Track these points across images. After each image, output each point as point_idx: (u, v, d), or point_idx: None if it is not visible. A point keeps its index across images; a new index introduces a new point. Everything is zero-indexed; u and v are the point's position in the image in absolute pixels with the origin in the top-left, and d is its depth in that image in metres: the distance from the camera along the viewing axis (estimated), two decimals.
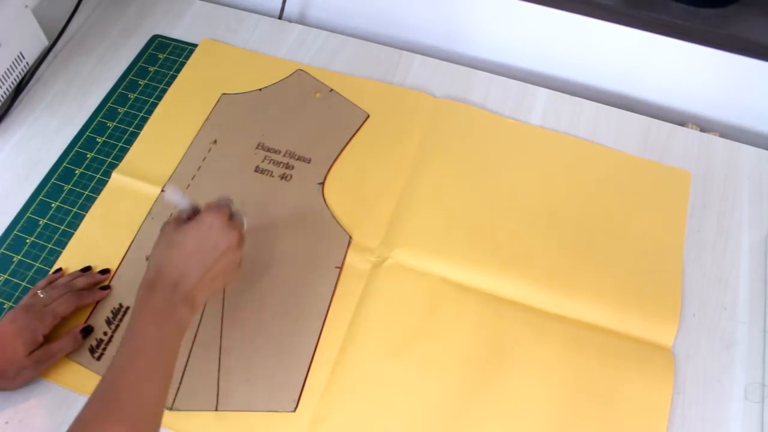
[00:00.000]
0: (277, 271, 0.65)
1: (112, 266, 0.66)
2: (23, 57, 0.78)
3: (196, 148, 0.73)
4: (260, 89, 0.78)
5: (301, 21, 0.92)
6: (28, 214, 0.70)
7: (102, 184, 0.72)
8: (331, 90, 0.77)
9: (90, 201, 0.70)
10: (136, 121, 0.77)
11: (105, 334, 0.62)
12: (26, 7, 0.76)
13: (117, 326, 0.62)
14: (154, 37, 0.85)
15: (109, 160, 0.74)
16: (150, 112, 0.77)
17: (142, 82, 0.80)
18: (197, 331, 0.61)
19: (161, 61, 0.82)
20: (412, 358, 0.60)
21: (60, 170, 0.73)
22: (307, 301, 0.63)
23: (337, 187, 0.71)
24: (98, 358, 0.60)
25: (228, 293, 0.63)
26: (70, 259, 0.67)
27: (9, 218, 0.70)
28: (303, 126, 0.74)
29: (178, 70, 0.81)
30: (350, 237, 0.66)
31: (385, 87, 0.78)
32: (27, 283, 0.65)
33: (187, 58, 0.82)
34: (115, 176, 0.72)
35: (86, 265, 0.66)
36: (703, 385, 0.59)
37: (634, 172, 0.72)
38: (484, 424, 0.57)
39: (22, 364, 0.56)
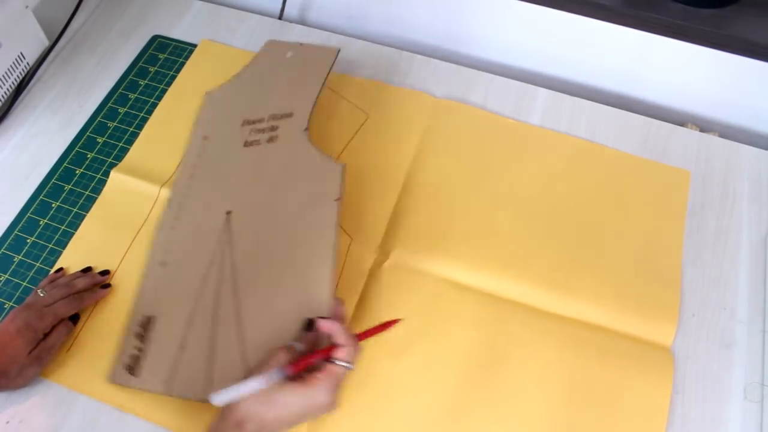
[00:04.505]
0: (275, 227, 0.62)
1: (113, 266, 0.66)
2: (24, 57, 0.78)
3: (190, 148, 0.72)
4: (236, 75, 0.77)
5: (302, 21, 0.93)
6: (28, 214, 0.70)
7: (102, 184, 0.72)
8: (301, 44, 0.76)
9: (90, 201, 0.71)
10: (136, 122, 0.77)
11: (139, 350, 0.59)
12: (27, 7, 0.76)
13: (149, 338, 0.59)
14: (155, 38, 0.85)
15: (110, 160, 0.74)
16: (150, 112, 0.77)
17: (142, 83, 0.80)
18: (215, 311, 0.59)
19: (161, 62, 0.82)
20: (412, 358, 0.60)
21: (60, 170, 0.73)
22: (310, 240, 0.60)
23: None
24: (136, 374, 0.58)
25: (238, 264, 0.61)
26: (70, 259, 0.67)
27: (10, 218, 0.70)
28: (278, 87, 0.73)
29: (179, 71, 0.81)
30: (344, 165, 0.63)
31: (385, 87, 0.78)
32: (28, 283, 0.65)
33: (187, 58, 0.82)
34: (115, 175, 0.72)
35: (87, 265, 0.66)
36: (703, 385, 0.59)
37: (633, 171, 0.72)
38: (483, 424, 0.57)
39: (24, 362, 0.57)
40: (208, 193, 0.68)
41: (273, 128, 0.69)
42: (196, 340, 0.59)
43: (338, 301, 0.56)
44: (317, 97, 0.69)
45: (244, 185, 0.66)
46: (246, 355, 0.56)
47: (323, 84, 0.70)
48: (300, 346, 0.52)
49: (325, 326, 0.52)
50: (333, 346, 0.50)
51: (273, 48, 0.78)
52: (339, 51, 0.73)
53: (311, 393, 0.48)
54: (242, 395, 0.48)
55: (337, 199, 0.61)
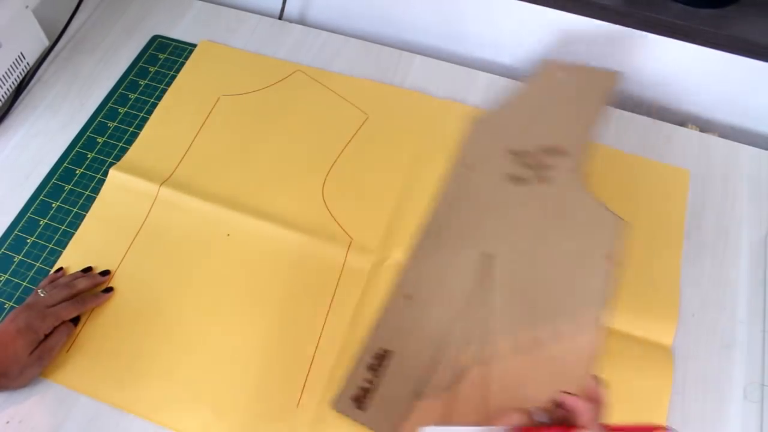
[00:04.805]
0: (543, 273, 0.58)
1: (113, 266, 0.66)
2: (24, 57, 0.78)
3: (451, 174, 0.67)
4: (506, 98, 0.71)
5: (301, 21, 0.93)
6: (28, 214, 0.70)
7: (103, 184, 0.72)
8: (577, 65, 0.67)
9: (90, 201, 0.71)
10: (136, 122, 0.77)
11: (369, 382, 0.56)
12: (27, 7, 0.76)
13: (383, 373, 0.57)
14: (155, 38, 0.85)
15: (110, 160, 0.74)
16: (150, 112, 0.77)
17: (142, 83, 0.80)
18: (476, 351, 0.56)
19: (161, 62, 0.82)
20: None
21: (61, 170, 0.73)
22: (579, 300, 0.56)
23: (336, 188, 0.71)
24: (364, 409, 0.56)
25: (503, 306, 0.57)
26: (70, 259, 0.67)
27: (10, 218, 0.70)
28: (549, 115, 0.66)
29: (179, 71, 0.81)
30: (623, 221, 0.57)
31: (385, 87, 0.78)
32: (28, 283, 0.65)
33: (187, 58, 0.82)
34: (114, 173, 0.72)
35: (87, 265, 0.66)
36: (703, 385, 0.59)
37: (633, 171, 0.72)
38: None
39: (25, 363, 0.57)
40: (468, 229, 0.63)
41: (543, 165, 0.63)
42: (435, 391, 0.55)
43: (597, 379, 0.48)
44: (590, 138, 0.63)
45: (509, 227, 0.62)
46: (486, 418, 0.51)
47: (601, 116, 0.63)
48: (540, 416, 0.45)
49: (571, 402, 0.44)
50: (573, 427, 0.43)
51: (547, 68, 0.71)
52: (620, 74, 0.64)
53: None
54: None
55: (609, 257, 0.56)
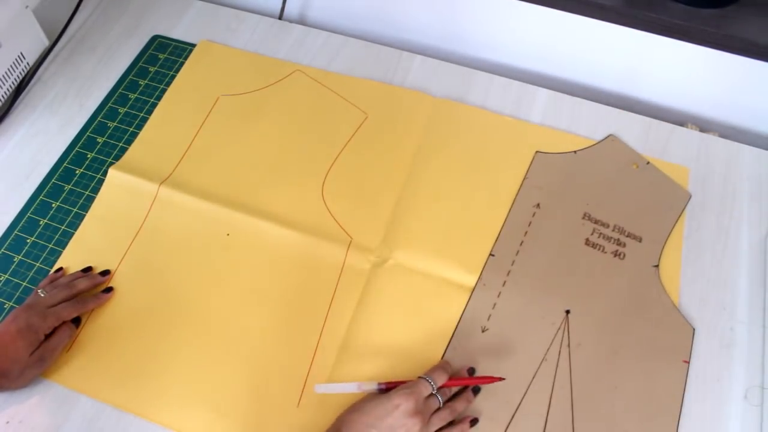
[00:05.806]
0: (618, 359, 0.60)
1: (113, 266, 0.66)
2: (24, 57, 0.78)
3: (518, 211, 0.68)
4: (575, 152, 0.72)
5: (301, 21, 0.93)
6: (28, 214, 0.70)
7: (102, 184, 0.72)
8: (648, 162, 0.71)
9: (90, 201, 0.71)
10: (136, 122, 0.77)
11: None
12: (27, 7, 0.76)
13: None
14: (155, 38, 0.85)
15: (110, 160, 0.74)
16: (150, 112, 0.77)
17: (142, 83, 0.80)
18: (546, 419, 0.58)
19: (161, 62, 0.82)
20: (413, 358, 0.61)
21: (60, 170, 0.73)
22: (654, 397, 0.58)
23: (336, 188, 0.71)
24: None
25: (575, 376, 0.59)
26: (70, 259, 0.67)
27: (10, 218, 0.70)
28: (626, 200, 0.69)
29: (178, 71, 0.81)
30: (693, 329, 0.61)
31: (385, 87, 0.78)
32: (28, 283, 0.65)
33: (186, 58, 0.82)
34: (113, 173, 0.72)
35: (87, 265, 0.66)
36: (703, 385, 0.59)
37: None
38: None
39: (26, 363, 0.57)
40: (548, 278, 0.65)
41: (620, 243, 0.66)
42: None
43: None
44: (667, 238, 0.66)
45: (583, 288, 0.64)
46: None
47: (673, 227, 0.67)
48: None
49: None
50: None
51: (617, 147, 0.73)
52: (690, 197, 0.69)
53: (391, 397, 0.53)
54: None
55: (685, 361, 0.60)
